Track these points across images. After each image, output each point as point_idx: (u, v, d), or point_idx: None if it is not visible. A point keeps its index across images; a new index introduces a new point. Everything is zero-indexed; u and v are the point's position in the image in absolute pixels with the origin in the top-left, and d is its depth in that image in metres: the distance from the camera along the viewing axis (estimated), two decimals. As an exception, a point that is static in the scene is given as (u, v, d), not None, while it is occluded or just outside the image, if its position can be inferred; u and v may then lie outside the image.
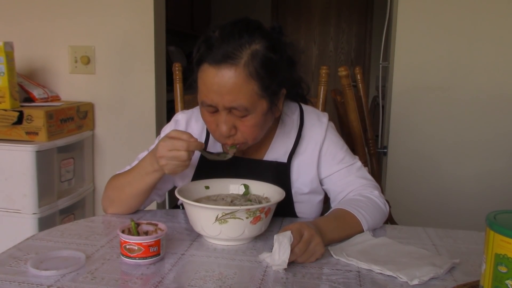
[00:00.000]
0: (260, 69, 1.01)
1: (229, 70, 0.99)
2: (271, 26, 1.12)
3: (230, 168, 1.18)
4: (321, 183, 1.22)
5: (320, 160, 1.19)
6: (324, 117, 1.22)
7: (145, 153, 1.23)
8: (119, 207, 1.16)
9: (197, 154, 1.20)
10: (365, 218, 1.07)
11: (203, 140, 1.22)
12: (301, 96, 1.28)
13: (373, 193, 1.16)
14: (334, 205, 1.20)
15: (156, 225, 0.95)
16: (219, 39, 1.01)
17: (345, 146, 1.23)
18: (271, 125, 1.17)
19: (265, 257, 0.91)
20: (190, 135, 1.03)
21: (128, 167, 1.21)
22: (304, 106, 1.24)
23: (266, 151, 1.20)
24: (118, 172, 1.21)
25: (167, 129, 1.25)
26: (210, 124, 1.09)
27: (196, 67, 1.05)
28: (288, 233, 0.90)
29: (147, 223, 0.96)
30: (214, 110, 1.05)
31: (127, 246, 0.88)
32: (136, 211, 1.19)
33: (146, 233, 0.94)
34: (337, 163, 1.19)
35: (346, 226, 1.05)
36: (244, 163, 1.19)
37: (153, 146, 1.24)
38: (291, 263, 0.89)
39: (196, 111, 1.25)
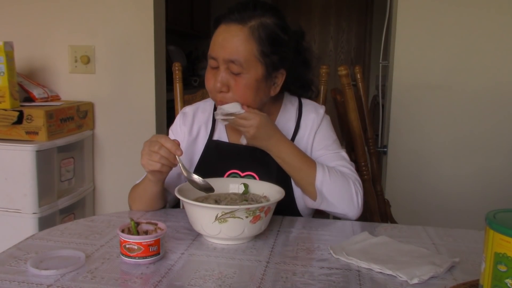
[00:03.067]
0: (264, 37, 1.14)
1: (236, 28, 1.15)
2: (295, 29, 1.24)
3: (233, 156, 1.25)
4: None
5: (313, 146, 1.26)
6: (321, 109, 1.30)
7: None
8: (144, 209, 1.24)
9: (201, 145, 1.27)
10: (323, 169, 1.14)
11: (209, 129, 1.30)
12: (309, 98, 1.35)
13: (349, 175, 1.20)
14: None
15: (156, 224, 0.95)
16: (237, 7, 1.17)
17: (335, 137, 1.30)
18: (272, 112, 1.25)
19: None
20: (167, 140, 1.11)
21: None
22: (303, 100, 1.32)
23: None
24: (137, 182, 1.27)
25: (177, 121, 1.34)
26: (209, 81, 1.19)
27: (214, 31, 1.21)
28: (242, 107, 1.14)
29: (147, 223, 0.96)
30: (216, 65, 1.16)
31: (127, 246, 0.88)
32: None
33: (146, 232, 0.94)
34: (323, 148, 1.25)
35: (301, 159, 1.16)
36: (248, 151, 1.23)
37: None
38: (288, 260, 0.90)
39: (201, 104, 1.35)
